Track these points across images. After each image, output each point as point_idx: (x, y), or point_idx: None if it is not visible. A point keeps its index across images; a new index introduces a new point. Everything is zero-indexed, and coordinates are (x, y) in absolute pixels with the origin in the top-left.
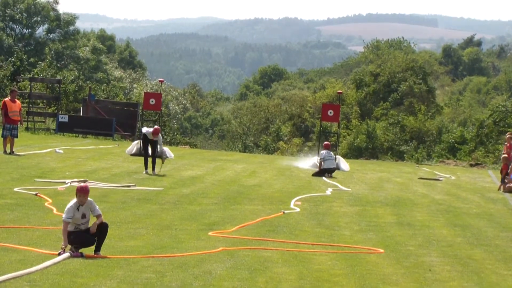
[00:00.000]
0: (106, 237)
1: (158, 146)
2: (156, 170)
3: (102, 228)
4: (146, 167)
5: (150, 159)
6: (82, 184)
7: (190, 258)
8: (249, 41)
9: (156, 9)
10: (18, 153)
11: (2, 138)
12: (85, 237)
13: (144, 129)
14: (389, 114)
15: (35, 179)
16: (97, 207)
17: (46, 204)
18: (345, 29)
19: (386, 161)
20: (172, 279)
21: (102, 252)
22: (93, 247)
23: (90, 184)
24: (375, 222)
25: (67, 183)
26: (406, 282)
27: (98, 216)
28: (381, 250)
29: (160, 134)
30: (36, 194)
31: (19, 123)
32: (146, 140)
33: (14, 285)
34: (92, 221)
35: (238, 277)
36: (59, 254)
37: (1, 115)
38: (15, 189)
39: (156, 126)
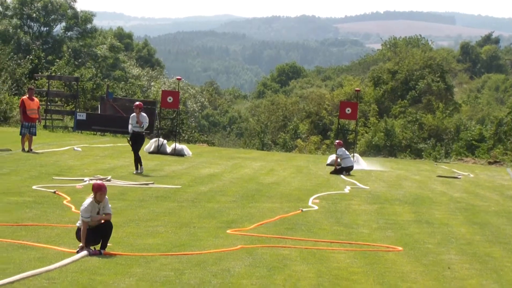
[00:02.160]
0: (125, 235)
1: (144, 124)
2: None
3: (107, 228)
4: (136, 167)
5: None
6: (99, 181)
7: (209, 256)
8: (266, 39)
9: (173, 7)
10: (36, 151)
11: (21, 136)
12: (91, 236)
13: (130, 127)
14: (407, 112)
15: (54, 177)
16: (110, 205)
17: (64, 202)
18: (362, 26)
19: (404, 159)
20: (190, 277)
21: (120, 250)
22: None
23: (110, 183)
24: (394, 220)
25: (85, 181)
26: (425, 280)
27: (108, 215)
28: (400, 248)
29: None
30: (54, 192)
31: (37, 121)
32: (134, 138)
33: (33, 283)
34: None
35: (256, 275)
36: (78, 252)
37: (19, 113)
38: (34, 187)
39: (138, 102)
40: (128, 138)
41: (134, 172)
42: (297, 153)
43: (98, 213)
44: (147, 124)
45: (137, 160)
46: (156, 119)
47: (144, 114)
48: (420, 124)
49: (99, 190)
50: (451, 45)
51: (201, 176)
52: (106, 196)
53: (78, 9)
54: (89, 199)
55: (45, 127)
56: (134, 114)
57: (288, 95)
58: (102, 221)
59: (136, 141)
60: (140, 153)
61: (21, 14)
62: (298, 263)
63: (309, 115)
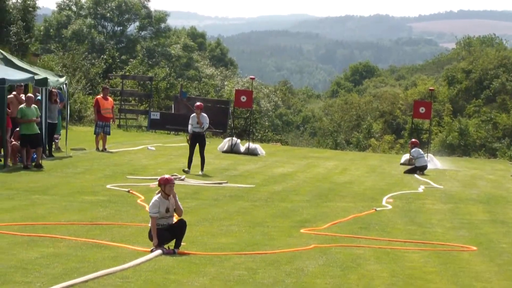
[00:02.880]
0: (199, 234)
1: (204, 125)
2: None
3: (181, 227)
4: (189, 166)
5: (194, 159)
6: (166, 175)
7: (282, 255)
8: (340, 38)
9: (247, 6)
10: (110, 150)
11: (95, 136)
12: (163, 235)
13: (190, 128)
14: (481, 111)
15: (127, 176)
16: (180, 203)
17: (138, 201)
18: (436, 25)
19: (478, 158)
20: (264, 276)
21: (194, 249)
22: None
23: (183, 182)
24: (468, 219)
25: None
26: (499, 280)
27: (179, 210)
28: (474, 248)
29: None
30: (128, 191)
31: (111, 120)
32: (194, 139)
33: (108, 282)
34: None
35: (330, 274)
36: (152, 251)
37: (94, 113)
38: (108, 186)
39: (199, 103)
40: (188, 138)
41: (187, 170)
42: (371, 152)
43: (167, 210)
44: (207, 125)
45: (202, 161)
46: (229, 118)
47: (204, 115)
48: (495, 123)
49: (167, 183)
50: None
51: (274, 175)
52: (177, 195)
53: (152, 9)
54: (156, 196)
55: (119, 126)
56: (195, 114)
57: (361, 94)
58: (175, 220)
59: (197, 142)
60: (214, 152)
61: (95, 14)
62: (372, 262)
63: (383, 114)
